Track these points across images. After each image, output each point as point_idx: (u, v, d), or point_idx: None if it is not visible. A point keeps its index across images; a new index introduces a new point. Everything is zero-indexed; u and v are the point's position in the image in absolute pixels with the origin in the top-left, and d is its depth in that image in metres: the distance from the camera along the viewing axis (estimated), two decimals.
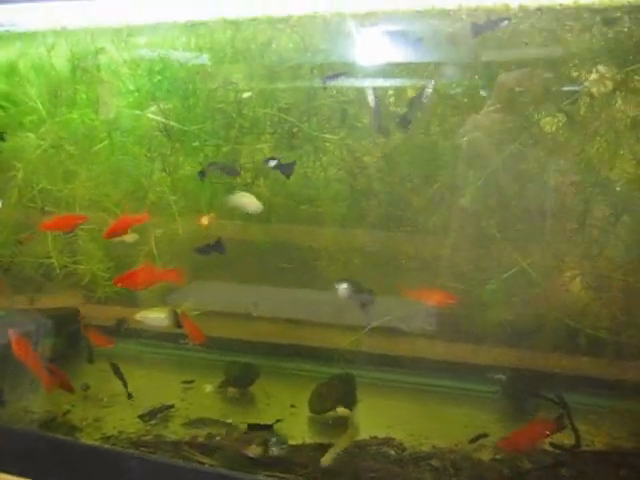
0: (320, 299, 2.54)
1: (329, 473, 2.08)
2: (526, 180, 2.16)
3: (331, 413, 2.49)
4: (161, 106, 2.30)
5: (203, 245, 2.26)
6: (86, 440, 2.33)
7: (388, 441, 2.30)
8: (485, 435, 2.22)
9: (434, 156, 2.24)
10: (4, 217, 2.59)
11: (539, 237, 2.16)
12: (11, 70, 2.51)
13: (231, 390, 2.69)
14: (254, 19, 2.08)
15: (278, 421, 2.36)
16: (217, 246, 2.27)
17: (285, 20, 2.06)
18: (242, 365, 2.71)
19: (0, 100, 2.54)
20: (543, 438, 2.11)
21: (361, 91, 2.21)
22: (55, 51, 2.39)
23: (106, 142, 2.46)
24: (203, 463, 2.17)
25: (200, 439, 2.33)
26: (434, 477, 2.08)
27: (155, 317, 2.45)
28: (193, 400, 2.61)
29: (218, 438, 2.34)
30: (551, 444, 2.12)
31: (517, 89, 2.13)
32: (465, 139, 2.18)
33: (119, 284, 2.42)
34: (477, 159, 2.21)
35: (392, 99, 2.30)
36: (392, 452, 2.26)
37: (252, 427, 2.32)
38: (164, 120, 2.35)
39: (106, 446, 2.27)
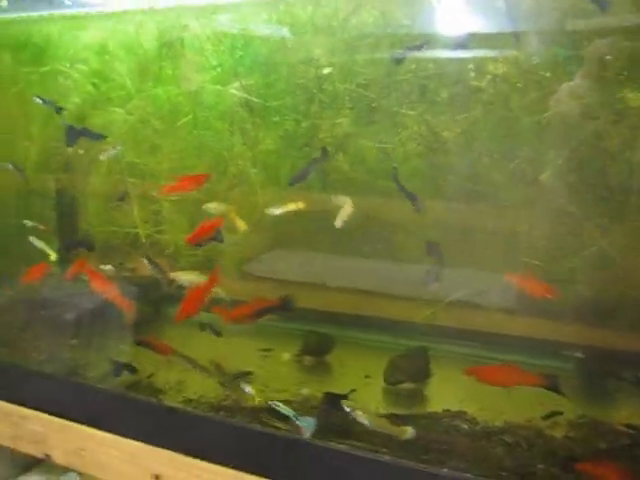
0: (397, 272, 2.55)
1: (404, 443, 2.11)
2: (615, 154, 2.10)
3: (405, 385, 2.51)
4: (243, 82, 2.35)
5: None
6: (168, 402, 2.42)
7: (460, 415, 2.31)
8: (559, 413, 2.20)
9: (516, 131, 2.20)
10: (94, 188, 2.73)
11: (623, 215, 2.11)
12: (102, 49, 2.61)
13: (307, 359, 2.75)
14: None
15: (353, 391, 2.39)
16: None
17: None
18: (319, 334, 2.76)
19: (92, 77, 2.66)
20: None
21: (440, 66, 2.19)
22: (143, 29, 2.47)
23: (189, 117, 2.53)
24: (279, 428, 2.23)
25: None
26: (506, 451, 2.07)
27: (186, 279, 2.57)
28: (270, 367, 2.68)
29: (294, 405, 2.40)
30: (626, 425, 2.09)
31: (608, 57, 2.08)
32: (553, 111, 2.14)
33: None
34: (569, 130, 2.17)
35: (472, 73, 2.27)
36: (464, 426, 2.27)
37: (328, 396, 2.37)
38: (245, 95, 2.40)
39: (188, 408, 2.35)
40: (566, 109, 2.13)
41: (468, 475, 1.80)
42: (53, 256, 2.86)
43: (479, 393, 2.41)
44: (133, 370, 2.53)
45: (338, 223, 2.28)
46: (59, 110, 2.71)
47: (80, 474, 2.90)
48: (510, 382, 2.17)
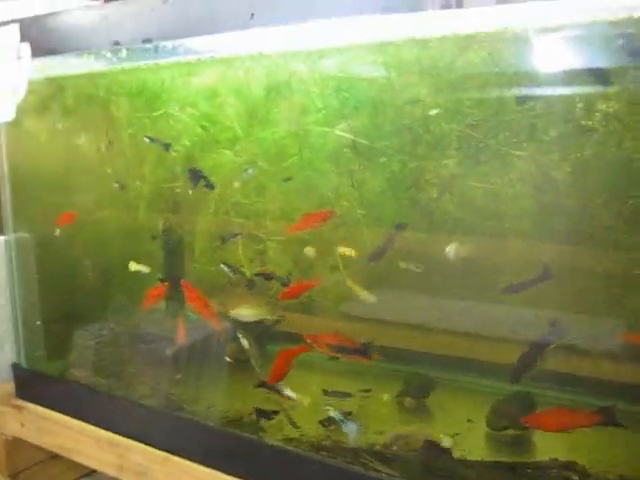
0: (502, 314, 2.50)
1: None
2: None
3: (509, 430, 2.44)
4: (349, 123, 2.38)
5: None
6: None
7: (570, 465, 2.22)
8: None
9: (628, 171, 2.13)
10: (203, 228, 2.82)
11: None
12: (212, 93, 2.72)
13: (408, 400, 2.71)
14: (442, 37, 2.09)
15: (456, 434, 2.34)
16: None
17: (472, 37, 2.05)
18: (419, 376, 2.72)
19: (202, 120, 2.77)
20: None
21: (549, 104, 2.15)
22: (251, 74, 2.56)
23: (295, 158, 2.59)
24: (379, 471, 2.21)
25: (377, 447, 2.37)
26: None
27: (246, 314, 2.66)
28: (371, 408, 2.66)
29: (395, 448, 2.37)
30: None
31: None
32: None
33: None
34: None
35: (581, 112, 2.22)
36: (575, 478, 2.17)
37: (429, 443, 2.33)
38: (352, 137, 2.43)
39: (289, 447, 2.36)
40: None
41: None
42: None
43: (589, 442, 2.31)
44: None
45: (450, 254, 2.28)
46: (167, 147, 2.84)
47: None
48: (566, 425, 2.13)
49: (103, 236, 3.27)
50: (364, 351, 2.49)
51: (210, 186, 2.65)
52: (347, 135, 2.45)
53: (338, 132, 2.44)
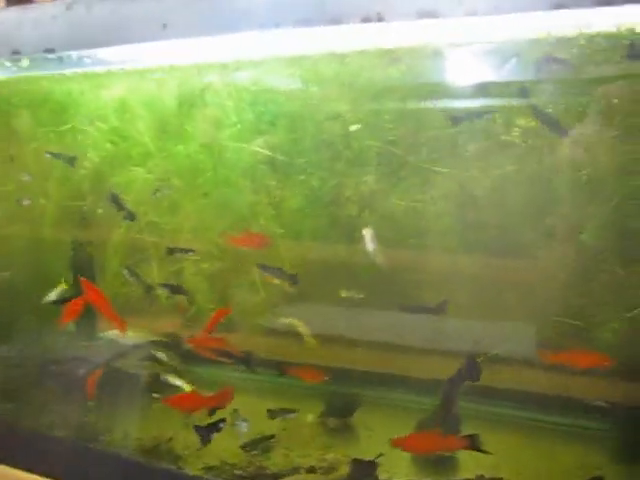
0: (423, 328, 2.48)
1: None
2: None
3: None
4: (266, 139, 2.32)
5: None
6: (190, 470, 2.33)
7: None
8: (600, 478, 2.11)
9: (547, 185, 2.16)
10: (114, 249, 2.68)
11: None
12: (121, 106, 2.60)
13: (332, 420, 2.65)
14: (361, 52, 2.05)
15: (380, 455, 2.30)
16: None
17: (390, 52, 2.02)
18: (343, 395, 2.67)
19: (111, 135, 2.64)
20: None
21: (469, 121, 2.16)
22: (163, 87, 2.46)
23: (210, 175, 2.50)
24: None
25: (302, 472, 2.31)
26: None
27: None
28: (294, 430, 2.59)
29: (320, 472, 2.32)
30: None
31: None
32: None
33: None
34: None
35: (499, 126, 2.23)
36: None
37: (356, 462, 2.27)
38: (268, 153, 2.36)
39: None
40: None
41: None
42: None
43: (516, 456, 2.32)
44: None
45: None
46: (72, 162, 2.70)
47: None
48: (434, 448, 2.19)
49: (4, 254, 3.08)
50: (247, 361, 2.52)
51: (130, 217, 2.53)
52: (263, 151, 2.38)
53: (254, 148, 2.37)
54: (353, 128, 2.17)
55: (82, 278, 2.57)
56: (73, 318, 2.59)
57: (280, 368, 2.62)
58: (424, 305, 2.36)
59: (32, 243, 3.04)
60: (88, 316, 2.89)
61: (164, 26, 1.94)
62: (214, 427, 2.35)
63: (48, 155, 2.69)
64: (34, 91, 2.74)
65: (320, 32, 1.81)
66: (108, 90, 2.59)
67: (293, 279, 2.37)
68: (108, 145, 2.68)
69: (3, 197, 2.94)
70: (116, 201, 2.53)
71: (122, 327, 2.58)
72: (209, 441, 2.33)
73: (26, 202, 2.73)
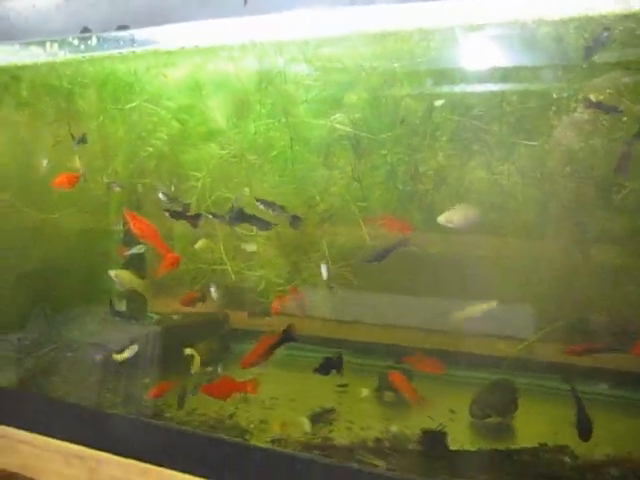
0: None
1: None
2: None
3: (491, 419, 2.48)
4: (347, 115, 2.35)
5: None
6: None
7: (561, 448, 2.28)
8: None
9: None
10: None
11: None
12: (196, 84, 2.60)
13: (388, 394, 2.71)
14: (445, 28, 2.09)
15: (442, 425, 2.36)
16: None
17: (477, 28, 2.06)
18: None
19: (181, 113, 2.64)
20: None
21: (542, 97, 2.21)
22: (242, 65, 2.47)
23: (286, 151, 2.52)
24: (377, 466, 2.19)
25: (369, 442, 2.36)
26: None
27: None
28: (351, 403, 2.64)
29: (387, 443, 2.37)
30: None
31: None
32: None
33: None
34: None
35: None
36: (567, 459, 2.24)
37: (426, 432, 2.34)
38: (348, 129, 2.40)
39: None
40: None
41: None
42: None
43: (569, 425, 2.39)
44: None
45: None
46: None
47: None
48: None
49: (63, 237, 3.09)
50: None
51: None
52: (342, 127, 2.41)
53: (335, 124, 2.40)
54: (438, 103, 2.21)
55: (126, 211, 2.61)
56: (169, 269, 2.59)
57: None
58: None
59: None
60: None
61: (245, 2, 1.97)
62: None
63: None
64: (109, 70, 2.72)
65: (405, 9, 1.85)
66: (185, 69, 2.58)
67: (295, 221, 2.32)
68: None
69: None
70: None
71: (172, 260, 2.58)
72: None
73: (117, 188, 2.71)
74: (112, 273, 2.72)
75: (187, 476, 2.32)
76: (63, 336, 3.15)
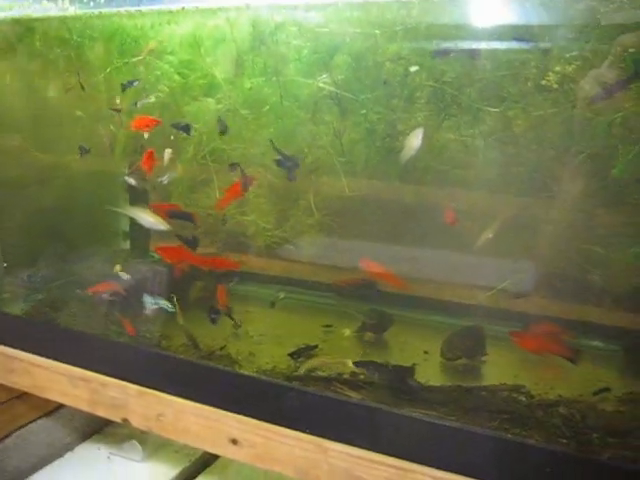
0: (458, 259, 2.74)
1: (467, 410, 2.30)
2: None
3: (461, 360, 2.71)
4: (332, 76, 2.52)
5: None
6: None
7: (517, 388, 2.50)
8: (608, 389, 2.38)
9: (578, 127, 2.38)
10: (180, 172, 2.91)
11: None
12: (195, 42, 2.78)
13: (368, 335, 2.94)
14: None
15: (414, 365, 2.58)
16: None
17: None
18: (378, 312, 2.96)
19: (181, 68, 2.83)
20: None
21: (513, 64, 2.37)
22: (237, 25, 2.64)
23: (277, 106, 2.71)
24: (350, 397, 2.42)
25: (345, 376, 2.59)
26: (563, 422, 2.25)
27: None
28: (334, 342, 2.87)
29: (361, 376, 2.60)
30: None
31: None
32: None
33: None
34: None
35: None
36: (522, 398, 2.45)
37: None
38: (333, 89, 2.57)
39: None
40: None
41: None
42: None
43: (532, 370, 2.61)
44: None
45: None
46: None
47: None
48: None
49: (75, 180, 3.30)
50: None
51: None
52: (328, 87, 2.57)
53: (320, 84, 2.58)
54: (413, 69, 2.38)
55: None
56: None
57: None
58: None
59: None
60: None
61: None
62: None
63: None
64: (112, 26, 2.90)
65: None
66: (184, 27, 2.76)
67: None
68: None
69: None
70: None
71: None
72: None
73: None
74: (135, 212, 2.92)
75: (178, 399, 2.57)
76: (72, 272, 3.38)
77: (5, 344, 2.99)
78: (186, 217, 2.97)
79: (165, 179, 2.86)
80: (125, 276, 2.97)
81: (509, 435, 2.10)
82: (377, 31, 2.42)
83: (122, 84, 2.82)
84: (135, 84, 2.80)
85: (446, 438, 2.07)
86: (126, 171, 3.14)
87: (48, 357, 2.87)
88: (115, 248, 3.70)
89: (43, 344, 2.88)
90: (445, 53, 2.42)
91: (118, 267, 2.97)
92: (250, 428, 2.39)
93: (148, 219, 2.80)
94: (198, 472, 3.32)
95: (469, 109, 2.45)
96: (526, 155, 2.47)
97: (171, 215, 2.85)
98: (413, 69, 2.39)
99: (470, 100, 2.44)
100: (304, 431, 2.29)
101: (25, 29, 3.10)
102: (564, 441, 2.08)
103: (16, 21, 2.99)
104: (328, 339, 2.89)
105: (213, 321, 2.85)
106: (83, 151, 2.94)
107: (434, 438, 2.09)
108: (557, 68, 2.32)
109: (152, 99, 2.80)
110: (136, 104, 2.83)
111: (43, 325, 3.00)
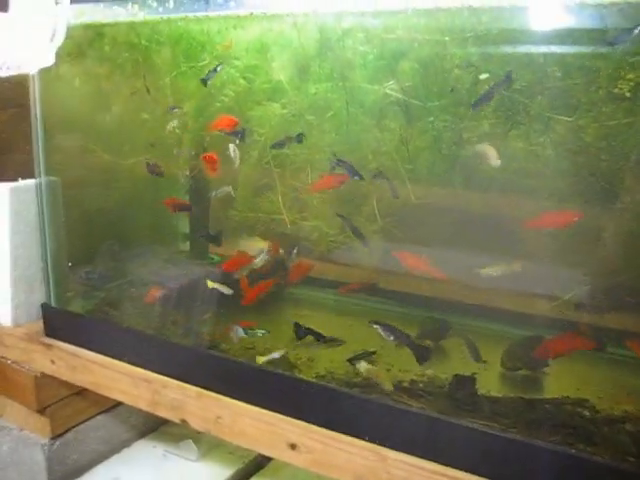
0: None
1: (530, 424, 2.26)
2: None
3: (521, 371, 2.67)
4: (399, 83, 2.51)
5: None
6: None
7: (581, 402, 2.45)
8: None
9: None
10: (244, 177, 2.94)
11: None
12: (262, 47, 2.80)
13: (426, 342, 2.92)
14: (494, 8, 2.22)
15: (474, 374, 2.55)
16: None
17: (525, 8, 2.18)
18: (435, 320, 2.93)
19: (247, 72, 2.86)
20: None
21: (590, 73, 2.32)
22: (304, 31, 2.66)
23: (342, 113, 2.71)
24: (410, 405, 2.40)
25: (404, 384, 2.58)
26: (630, 440, 2.19)
27: None
28: (391, 348, 2.85)
29: (421, 385, 2.58)
30: None
31: None
32: None
33: None
34: None
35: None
36: (586, 412, 2.40)
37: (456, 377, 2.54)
38: (400, 96, 2.56)
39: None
40: None
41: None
42: None
43: (594, 382, 2.56)
44: None
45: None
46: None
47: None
48: None
49: (135, 181, 3.36)
50: None
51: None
52: (395, 94, 2.56)
53: (387, 91, 2.57)
54: (483, 77, 2.35)
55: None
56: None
57: None
58: None
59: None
60: None
61: None
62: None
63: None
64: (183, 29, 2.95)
65: None
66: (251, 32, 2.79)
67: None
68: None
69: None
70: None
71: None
72: None
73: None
74: None
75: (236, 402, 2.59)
76: (131, 272, 3.45)
77: (69, 342, 3.04)
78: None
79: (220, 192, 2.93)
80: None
81: (573, 451, 2.05)
82: (446, 38, 2.39)
83: (202, 79, 2.85)
84: (219, 68, 2.82)
85: (505, 451, 2.04)
86: (187, 173, 3.18)
87: (108, 355, 2.91)
88: (174, 249, 3.75)
89: (104, 343, 2.93)
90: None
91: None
92: (309, 433, 2.39)
93: None
94: (251, 474, 3.34)
95: (539, 117, 2.41)
96: (597, 165, 2.42)
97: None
98: (483, 77, 2.36)
99: (540, 108, 2.39)
100: (364, 438, 2.28)
101: (95, 34, 3.16)
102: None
103: (87, 26, 3.05)
104: (385, 345, 2.87)
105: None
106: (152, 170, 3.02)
107: (492, 450, 2.06)
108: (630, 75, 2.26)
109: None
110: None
111: (105, 324, 3.05)
